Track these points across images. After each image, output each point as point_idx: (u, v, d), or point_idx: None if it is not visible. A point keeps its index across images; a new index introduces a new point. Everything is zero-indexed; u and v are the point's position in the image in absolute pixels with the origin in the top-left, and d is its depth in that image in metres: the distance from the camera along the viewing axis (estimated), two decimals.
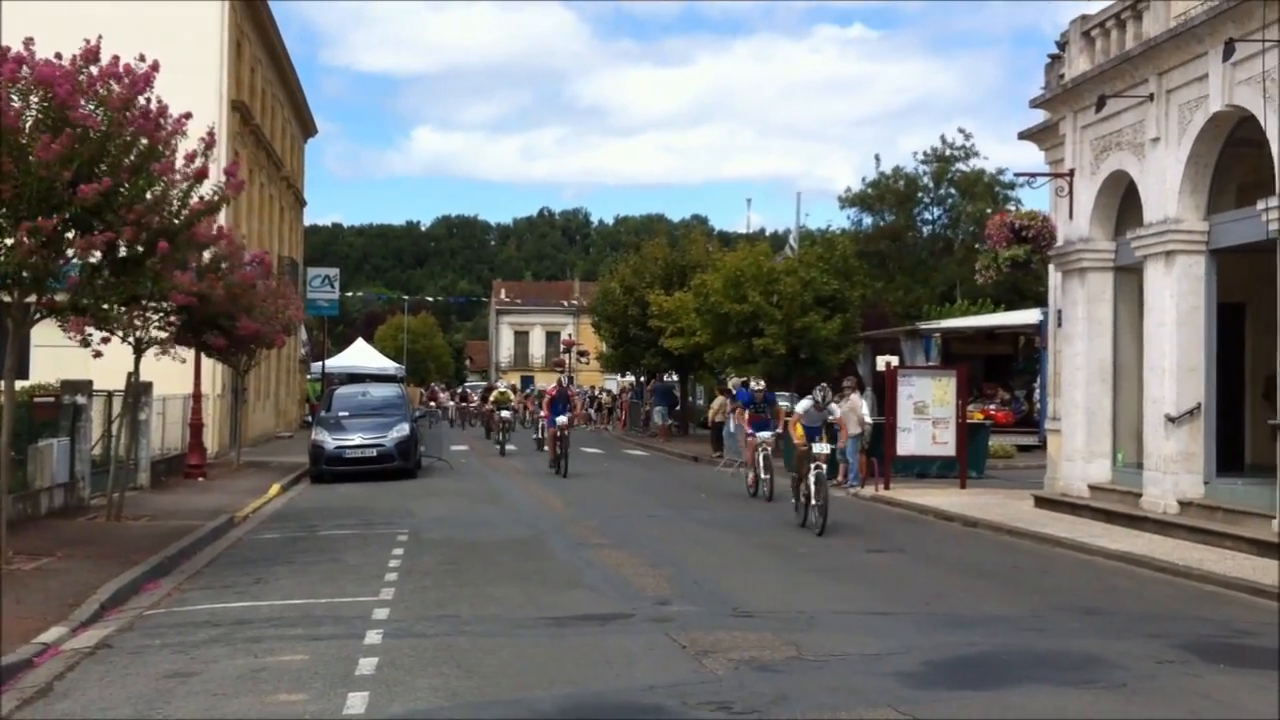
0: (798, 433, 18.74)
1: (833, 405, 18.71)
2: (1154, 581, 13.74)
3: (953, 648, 9.87)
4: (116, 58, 13.64)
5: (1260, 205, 15.00)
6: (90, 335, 14.70)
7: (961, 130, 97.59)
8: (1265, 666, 9.40)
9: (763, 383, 24.47)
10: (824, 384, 19.20)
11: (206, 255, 16.58)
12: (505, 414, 37.42)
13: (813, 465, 17.76)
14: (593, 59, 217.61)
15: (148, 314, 17.00)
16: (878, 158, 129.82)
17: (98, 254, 13.52)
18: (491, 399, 41.71)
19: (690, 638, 10.08)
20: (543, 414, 29.42)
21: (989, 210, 50.59)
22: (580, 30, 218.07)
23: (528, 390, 61.39)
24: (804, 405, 18.91)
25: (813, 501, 17.58)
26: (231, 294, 18.88)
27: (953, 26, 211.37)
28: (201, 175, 14.50)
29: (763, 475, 22.12)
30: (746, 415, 23.25)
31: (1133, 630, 10.77)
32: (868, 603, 12.10)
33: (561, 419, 28.05)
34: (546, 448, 28.97)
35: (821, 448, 18.20)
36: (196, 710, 8.07)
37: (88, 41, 13.69)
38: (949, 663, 9.35)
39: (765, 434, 22.28)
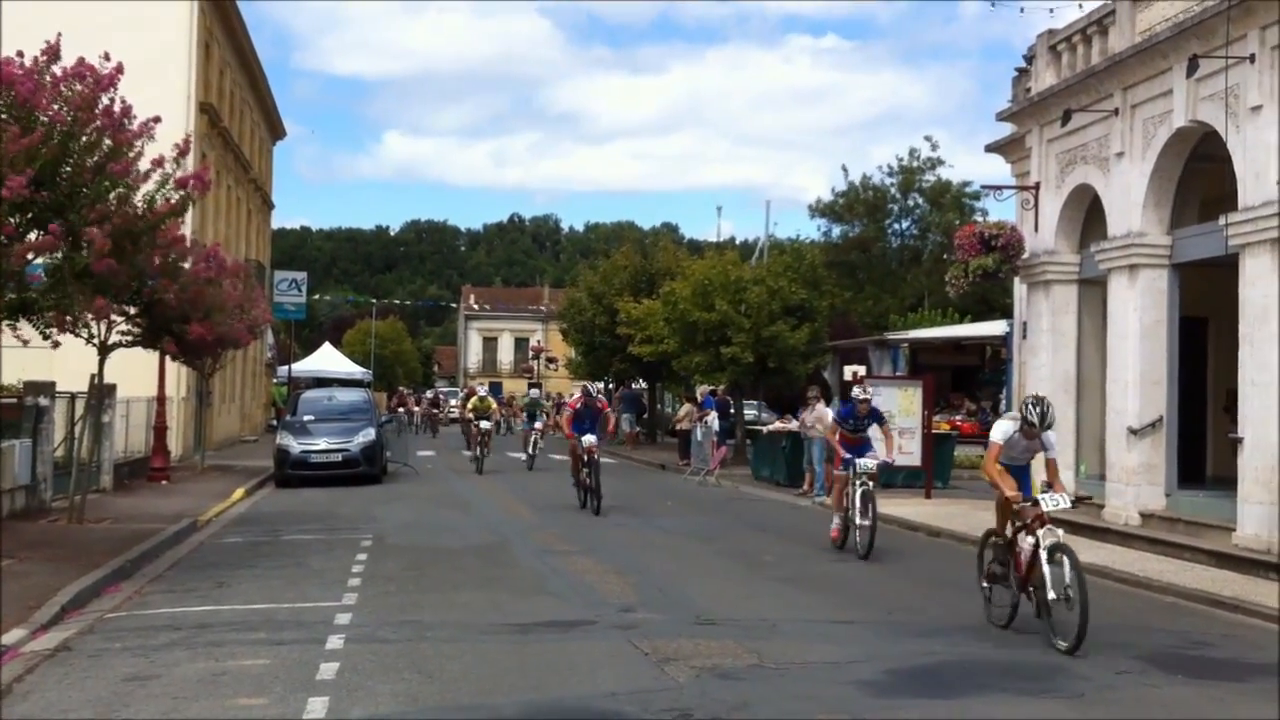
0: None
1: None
2: (1115, 592, 13.81)
3: (914, 656, 9.92)
4: (81, 59, 13.60)
5: (1222, 220, 15.16)
6: (47, 332, 14.63)
7: (928, 139, 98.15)
8: (1223, 678, 9.51)
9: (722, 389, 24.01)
10: (1040, 397, 12.07)
11: (158, 259, 16.32)
12: (485, 424, 31.96)
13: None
14: (566, 66, 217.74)
15: (107, 316, 16.88)
16: (845, 168, 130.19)
17: (58, 254, 13.44)
18: (469, 406, 35.16)
19: (653, 645, 10.10)
20: (564, 430, 22.28)
21: (957, 221, 50.97)
22: (554, 37, 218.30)
23: (499, 396, 59.32)
24: (1006, 429, 11.91)
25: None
26: (187, 297, 18.41)
27: (924, 38, 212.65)
28: (183, 184, 14.46)
29: (859, 521, 16.07)
30: (838, 435, 17.00)
31: (1093, 640, 10.80)
32: (830, 611, 12.13)
33: (589, 439, 21.23)
34: (574, 480, 22.24)
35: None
36: (156, 713, 8.03)
37: (48, 42, 13.65)
38: (910, 671, 9.40)
39: (867, 463, 16.43)
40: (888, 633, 10.98)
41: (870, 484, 16.08)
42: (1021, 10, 61.84)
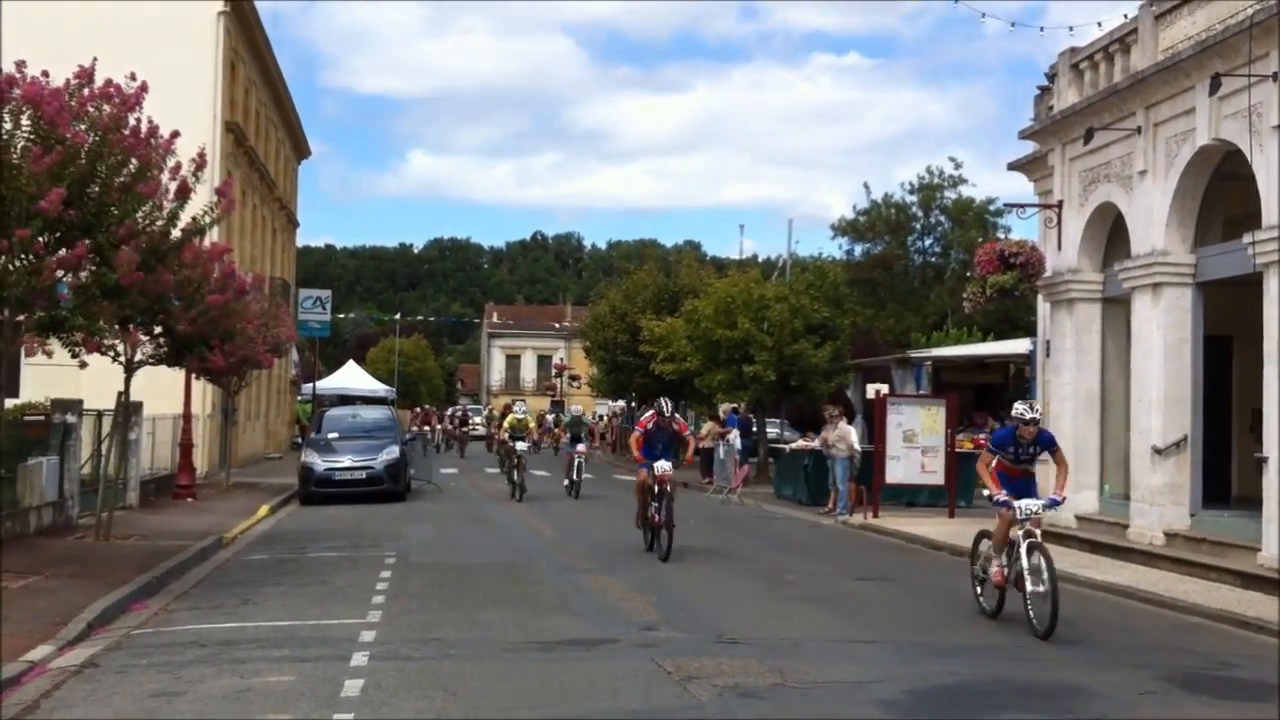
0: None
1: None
2: (1139, 613, 13.79)
3: (935, 677, 9.91)
4: (109, 80, 13.76)
5: (1246, 238, 15.13)
6: (75, 350, 14.77)
7: (952, 159, 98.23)
8: (1247, 699, 9.48)
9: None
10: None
11: (171, 277, 16.35)
12: (521, 446, 28.39)
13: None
14: (590, 85, 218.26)
15: (139, 336, 17.02)
16: (867, 186, 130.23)
17: (84, 273, 13.57)
18: (505, 424, 30.67)
19: (675, 663, 10.12)
20: (633, 453, 18.50)
21: (980, 239, 50.87)
22: (578, 56, 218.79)
23: (545, 420, 53.84)
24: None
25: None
26: (206, 321, 18.33)
27: (947, 56, 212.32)
28: (183, 193, 14.57)
29: (1031, 586, 11.92)
30: (995, 462, 13.06)
31: (1116, 661, 10.82)
32: (852, 631, 12.13)
33: (663, 465, 17.68)
34: (639, 519, 18.50)
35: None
36: None
37: (82, 67, 13.81)
38: (931, 691, 9.40)
39: (1031, 504, 12.31)
40: (909, 653, 10.98)
41: (1038, 534, 12.28)
42: (1041, 30, 62.08)
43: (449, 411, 62.45)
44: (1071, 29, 27.92)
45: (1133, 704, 9.13)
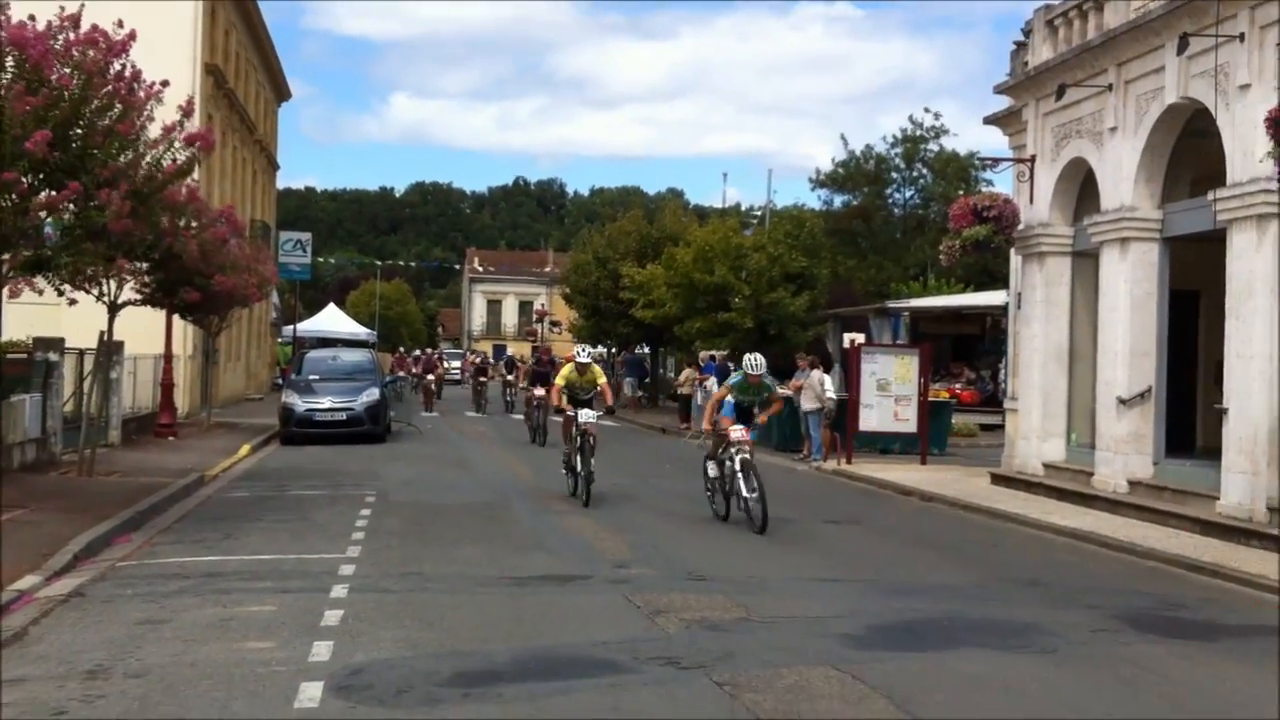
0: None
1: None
2: (1098, 557, 14.21)
3: (896, 613, 10.29)
4: (95, 25, 13.89)
5: (1210, 195, 15.44)
6: (61, 288, 15.01)
7: (929, 110, 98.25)
8: (1193, 637, 9.88)
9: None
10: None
11: (180, 218, 16.75)
12: (588, 415, 17.47)
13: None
14: (576, 30, 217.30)
15: (123, 274, 17.24)
16: (844, 138, 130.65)
17: (69, 215, 13.77)
18: (559, 381, 18.32)
19: (645, 599, 10.48)
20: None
21: (961, 191, 51.07)
22: (565, 1, 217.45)
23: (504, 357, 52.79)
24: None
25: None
26: (204, 251, 18.98)
27: (936, 8, 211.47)
28: (189, 140, 14.80)
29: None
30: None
31: (1072, 601, 11.21)
32: (819, 570, 12.52)
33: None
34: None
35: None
36: (167, 655, 8.40)
37: (62, 9, 13.93)
38: (890, 627, 9.77)
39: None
40: (873, 591, 11.36)
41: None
42: None
43: (414, 354, 55.86)
44: None
45: (1083, 641, 9.50)
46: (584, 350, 18.83)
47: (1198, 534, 15.08)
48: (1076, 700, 7.85)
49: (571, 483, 17.70)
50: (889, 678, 8.06)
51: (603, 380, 18.50)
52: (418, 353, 57.85)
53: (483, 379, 42.91)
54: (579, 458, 17.26)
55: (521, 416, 33.41)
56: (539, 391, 27.16)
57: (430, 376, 44.46)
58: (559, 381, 18.05)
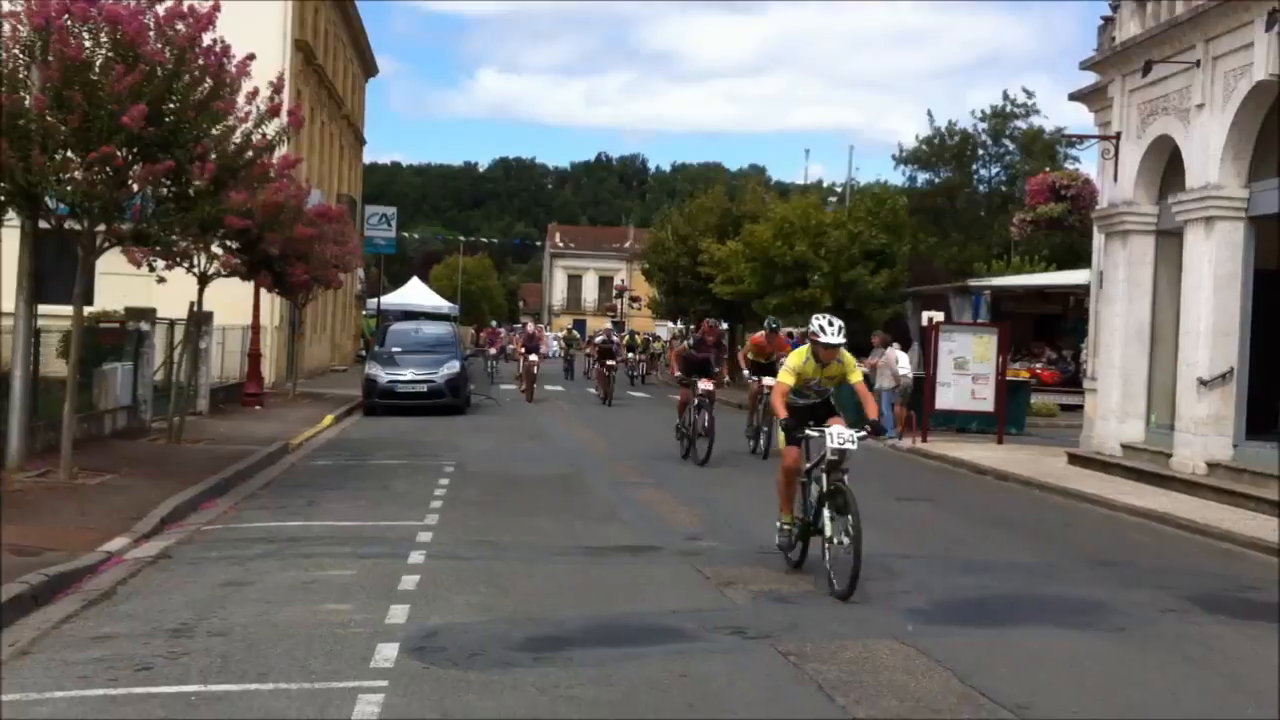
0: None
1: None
2: (1173, 538, 14.13)
3: (964, 590, 10.36)
4: None
5: None
6: (155, 263, 15.42)
7: (1025, 89, 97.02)
8: (1264, 619, 9.82)
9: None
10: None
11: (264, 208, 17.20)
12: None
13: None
14: (663, 4, 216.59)
15: (210, 248, 17.65)
16: (930, 114, 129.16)
17: (164, 188, 14.14)
18: (788, 379, 10.86)
19: (715, 570, 10.64)
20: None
21: (1048, 169, 50.50)
22: None
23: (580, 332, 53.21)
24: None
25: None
26: (288, 241, 19.42)
27: None
28: (274, 113, 15.10)
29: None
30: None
31: (1143, 581, 11.19)
32: (890, 546, 12.53)
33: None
34: None
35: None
36: (250, 615, 8.69)
37: None
38: (957, 603, 9.85)
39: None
40: (942, 568, 11.42)
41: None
42: None
43: (594, 336, 46.44)
44: None
45: (1152, 620, 9.52)
46: (827, 322, 10.69)
47: (1276, 516, 14.90)
48: (1140, 677, 7.90)
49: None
50: (953, 652, 8.15)
51: (857, 375, 11.15)
52: (510, 327, 55.22)
53: (610, 363, 34.77)
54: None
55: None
56: (768, 381, 18.00)
57: (534, 357, 34.55)
58: (787, 379, 10.85)
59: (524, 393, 34.12)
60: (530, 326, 41.44)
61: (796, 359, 10.86)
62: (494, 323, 62.17)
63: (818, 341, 10.57)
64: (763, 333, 20.26)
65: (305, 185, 21.41)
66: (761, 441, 20.06)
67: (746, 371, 20.45)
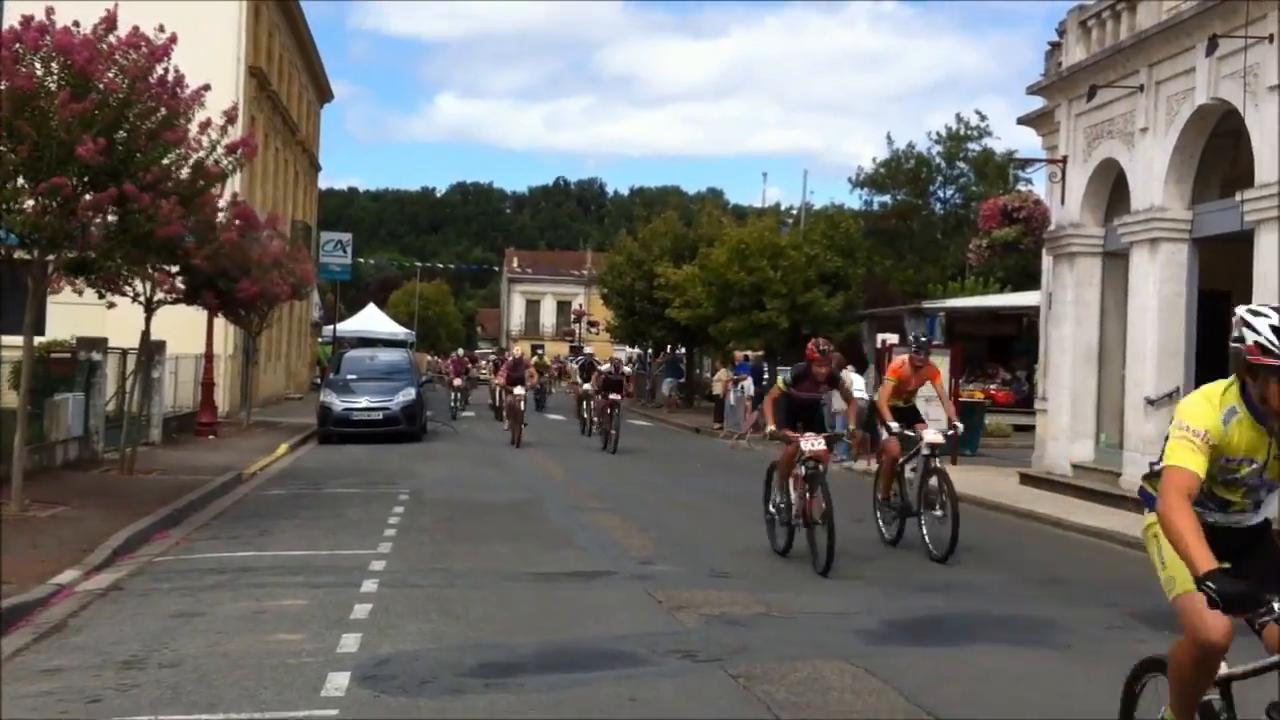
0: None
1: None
2: (1122, 556, 14.28)
3: (914, 610, 10.45)
4: (136, 28, 14.18)
5: (1238, 196, 15.50)
6: (102, 290, 15.36)
7: (978, 112, 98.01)
8: None
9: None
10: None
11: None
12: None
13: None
14: (625, 28, 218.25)
15: (153, 274, 17.57)
16: (889, 137, 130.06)
17: (112, 216, 14.08)
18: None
19: (667, 594, 10.69)
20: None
21: (1000, 191, 50.99)
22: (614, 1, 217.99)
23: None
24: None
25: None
26: (222, 257, 19.22)
27: (986, 5, 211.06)
28: (232, 149, 15.09)
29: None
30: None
31: (1091, 599, 11.33)
32: (843, 569, 12.63)
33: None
34: None
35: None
36: (201, 646, 8.66)
37: (108, 10, 14.23)
38: (908, 623, 9.93)
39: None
40: (894, 589, 11.51)
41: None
42: None
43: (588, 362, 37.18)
44: None
45: (1098, 637, 9.65)
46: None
47: None
48: (1083, 693, 8.00)
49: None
50: (902, 671, 8.23)
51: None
52: (497, 352, 44.98)
53: (615, 397, 27.40)
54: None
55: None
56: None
57: (520, 390, 28.23)
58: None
59: (509, 430, 28.36)
60: (516, 351, 35.06)
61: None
62: (460, 351, 55.39)
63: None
64: (904, 358, 14.88)
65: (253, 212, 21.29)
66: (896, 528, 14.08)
67: (894, 425, 13.92)
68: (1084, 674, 8.49)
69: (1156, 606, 11.04)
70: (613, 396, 26.77)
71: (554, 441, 28.97)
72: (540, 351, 62.23)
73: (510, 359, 31.16)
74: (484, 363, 43.04)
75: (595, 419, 28.84)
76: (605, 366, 30.12)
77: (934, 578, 12.27)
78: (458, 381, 40.23)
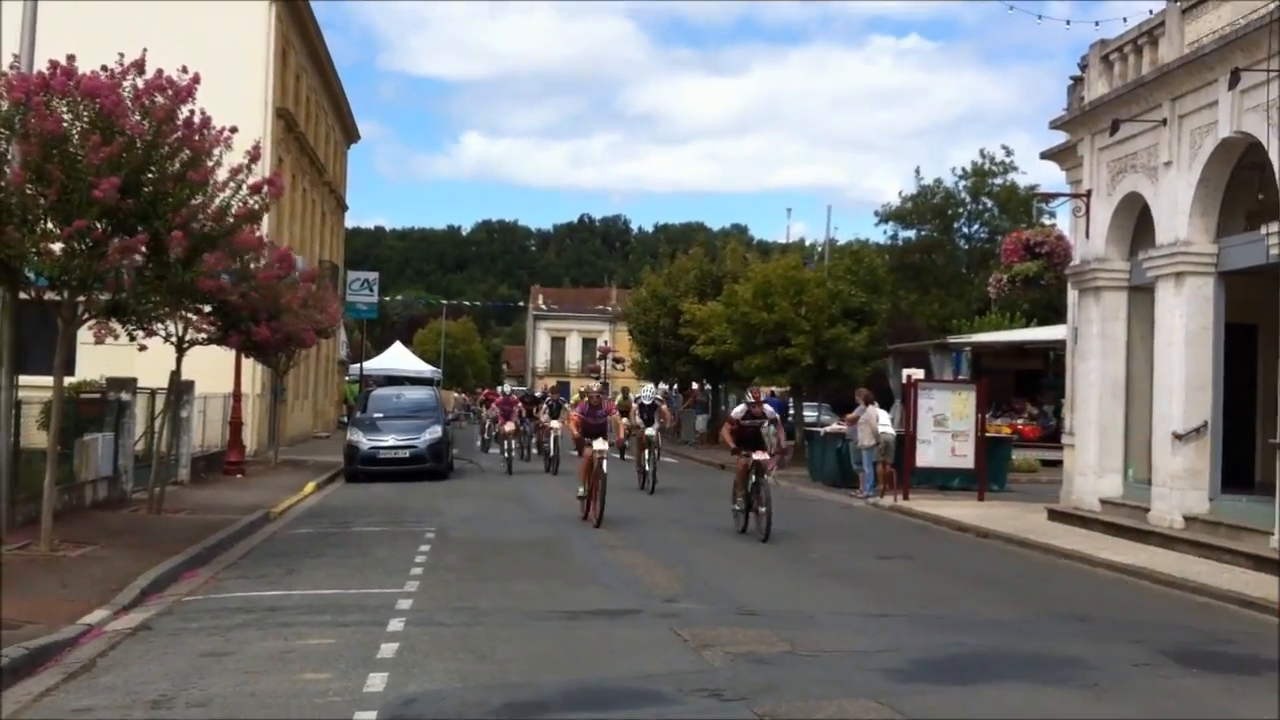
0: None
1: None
2: (1150, 593, 14.22)
3: (941, 647, 10.42)
4: (160, 70, 14.36)
5: (1264, 230, 15.47)
6: (134, 333, 15.49)
7: (1004, 147, 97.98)
8: (1238, 672, 9.92)
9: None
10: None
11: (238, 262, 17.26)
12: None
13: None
14: (648, 66, 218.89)
15: (188, 315, 17.71)
16: (918, 171, 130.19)
17: (140, 258, 14.22)
18: None
19: (693, 632, 10.68)
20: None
21: (1024, 225, 50.96)
22: (638, 38, 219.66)
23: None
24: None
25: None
26: (256, 298, 19.37)
27: (1010, 39, 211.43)
28: (256, 189, 15.23)
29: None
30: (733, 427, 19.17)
31: (1118, 636, 11.27)
32: (867, 605, 12.64)
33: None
34: None
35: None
36: (229, 685, 8.71)
37: (122, 55, 14.39)
38: (935, 661, 9.91)
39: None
40: (920, 626, 11.48)
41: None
42: (1068, 24, 61.85)
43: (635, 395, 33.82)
44: (1097, 24, 28.09)
45: (1125, 675, 9.59)
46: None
47: (1251, 569, 15.02)
48: None
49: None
50: (928, 710, 8.22)
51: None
52: (509, 389, 39.81)
53: (651, 432, 26.25)
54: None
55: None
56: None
57: (601, 445, 19.63)
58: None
59: (582, 501, 19.76)
60: (595, 389, 23.29)
61: None
62: (507, 387, 44.76)
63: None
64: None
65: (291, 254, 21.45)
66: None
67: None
68: (1112, 712, 8.46)
69: (1185, 643, 11.05)
70: (649, 433, 25.81)
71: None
72: (552, 388, 57.07)
73: (591, 401, 21.45)
74: (544, 405, 34.41)
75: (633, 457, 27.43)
76: (645, 396, 27.77)
77: (961, 615, 12.24)
78: (509, 426, 31.59)
